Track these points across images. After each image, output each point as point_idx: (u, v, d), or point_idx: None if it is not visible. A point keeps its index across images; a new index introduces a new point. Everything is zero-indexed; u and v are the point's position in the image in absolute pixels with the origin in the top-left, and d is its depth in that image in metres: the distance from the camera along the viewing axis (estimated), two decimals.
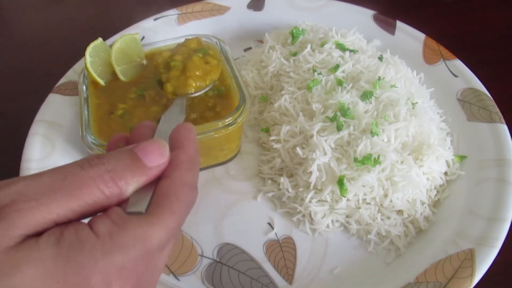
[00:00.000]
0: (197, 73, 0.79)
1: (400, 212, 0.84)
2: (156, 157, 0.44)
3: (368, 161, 0.80)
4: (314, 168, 0.82)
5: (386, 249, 0.81)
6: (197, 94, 0.76)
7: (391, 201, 0.81)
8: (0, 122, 1.06)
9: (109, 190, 0.40)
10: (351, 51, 0.98)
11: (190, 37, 0.89)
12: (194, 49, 0.85)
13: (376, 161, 0.80)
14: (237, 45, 1.15)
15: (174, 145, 0.47)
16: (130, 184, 0.42)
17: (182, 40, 0.98)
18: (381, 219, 0.82)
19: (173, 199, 0.43)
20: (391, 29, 1.15)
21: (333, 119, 0.85)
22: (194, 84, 0.79)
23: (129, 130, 0.82)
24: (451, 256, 0.75)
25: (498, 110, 0.95)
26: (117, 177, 0.41)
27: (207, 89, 0.81)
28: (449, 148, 0.91)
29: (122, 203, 0.42)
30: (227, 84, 0.89)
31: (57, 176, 0.39)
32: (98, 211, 0.41)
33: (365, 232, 0.82)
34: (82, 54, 0.89)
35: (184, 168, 0.45)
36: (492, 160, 0.87)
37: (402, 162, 0.82)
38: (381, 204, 0.82)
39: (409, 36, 1.13)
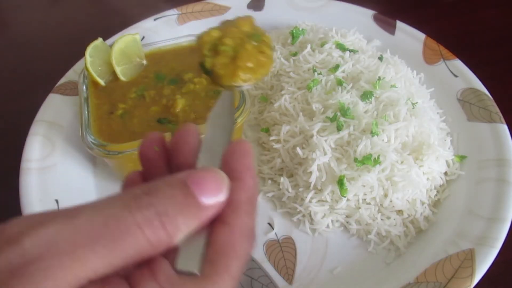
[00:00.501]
0: (249, 65, 0.68)
1: (400, 212, 0.84)
2: (213, 193, 0.35)
3: (368, 161, 0.80)
4: (314, 168, 0.82)
5: (386, 249, 0.81)
6: (244, 87, 0.64)
7: (391, 201, 0.81)
8: (0, 122, 1.06)
9: (157, 238, 0.33)
10: (351, 51, 0.98)
11: (243, 16, 0.75)
12: (247, 33, 0.72)
13: (376, 161, 0.80)
14: None
15: (230, 173, 0.38)
16: (181, 230, 0.34)
17: (182, 40, 0.98)
18: (381, 219, 0.82)
19: (231, 255, 0.35)
20: (391, 29, 1.15)
21: (333, 119, 0.85)
22: (243, 77, 0.68)
23: (129, 130, 0.82)
24: (451, 256, 0.75)
25: (498, 110, 0.95)
26: (168, 221, 0.33)
27: (251, 84, 0.69)
28: (449, 148, 0.91)
29: (169, 252, 0.35)
30: None
31: (97, 221, 0.31)
32: (139, 262, 0.33)
33: (365, 232, 0.82)
34: (82, 54, 0.89)
35: (245, 211, 0.37)
36: (492, 160, 0.87)
37: (402, 162, 0.82)
38: (381, 204, 0.83)
39: (409, 36, 1.13)
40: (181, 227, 0.34)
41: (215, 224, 0.36)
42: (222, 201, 0.36)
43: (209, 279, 0.34)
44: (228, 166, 0.38)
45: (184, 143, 0.42)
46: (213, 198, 0.35)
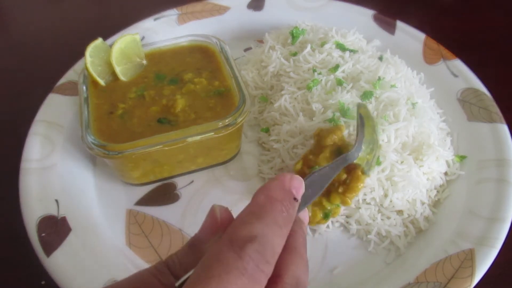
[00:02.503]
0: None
1: (400, 212, 0.84)
2: None
3: None
4: None
5: (386, 249, 0.81)
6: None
7: (391, 201, 0.81)
8: (0, 122, 1.06)
9: None
10: (351, 51, 0.98)
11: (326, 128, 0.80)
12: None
13: (376, 162, 0.80)
14: (237, 45, 1.15)
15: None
16: None
17: (182, 40, 0.98)
18: (381, 219, 0.82)
19: None
20: (391, 29, 1.15)
21: (331, 121, 0.85)
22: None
23: (129, 130, 0.82)
24: (451, 256, 0.75)
25: (498, 110, 0.95)
26: None
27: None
28: (449, 148, 0.91)
29: None
30: (227, 84, 0.89)
31: None
32: None
33: (365, 232, 0.82)
34: (82, 54, 0.89)
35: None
36: (492, 160, 0.87)
37: (402, 162, 0.82)
38: (381, 204, 0.82)
39: (409, 36, 1.14)
40: None
41: None
42: None
43: None
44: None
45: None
46: None
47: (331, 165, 0.62)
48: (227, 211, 0.42)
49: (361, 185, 0.77)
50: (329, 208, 0.78)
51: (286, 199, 0.39)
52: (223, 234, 0.38)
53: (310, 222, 0.78)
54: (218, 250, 0.35)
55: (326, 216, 0.78)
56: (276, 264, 0.37)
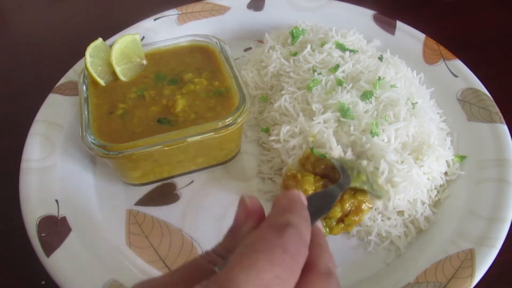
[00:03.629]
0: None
1: (400, 212, 0.84)
2: None
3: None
4: None
5: (386, 249, 0.81)
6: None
7: (393, 202, 0.81)
8: (0, 122, 1.06)
9: None
10: (351, 51, 0.98)
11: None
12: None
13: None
14: (237, 45, 1.15)
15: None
16: None
17: (182, 40, 0.98)
18: (382, 220, 0.82)
19: None
20: (391, 29, 1.15)
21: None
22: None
23: (129, 130, 0.82)
24: (451, 256, 0.75)
25: (498, 110, 0.95)
26: None
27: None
28: (449, 148, 0.91)
29: None
30: (227, 84, 0.89)
31: None
32: None
33: (366, 234, 0.82)
34: (82, 54, 0.89)
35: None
36: (492, 160, 0.87)
37: (402, 162, 0.82)
38: (385, 208, 0.82)
39: (409, 36, 1.14)
40: None
41: None
42: None
43: None
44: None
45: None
46: None
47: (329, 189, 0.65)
48: (255, 198, 0.46)
49: (366, 199, 0.78)
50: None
51: (301, 202, 0.43)
52: (258, 222, 0.43)
53: None
54: (260, 231, 0.39)
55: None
56: (308, 255, 0.40)
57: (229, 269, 0.35)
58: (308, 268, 0.39)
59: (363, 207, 0.77)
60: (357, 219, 0.78)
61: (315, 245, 0.42)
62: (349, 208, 0.77)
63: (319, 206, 0.50)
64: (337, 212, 0.77)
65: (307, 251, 0.39)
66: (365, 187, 0.76)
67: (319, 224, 0.47)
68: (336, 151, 0.81)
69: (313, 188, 0.77)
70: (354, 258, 0.80)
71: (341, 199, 0.77)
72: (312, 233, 0.42)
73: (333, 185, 0.73)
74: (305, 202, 0.44)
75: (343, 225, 0.78)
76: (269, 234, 0.38)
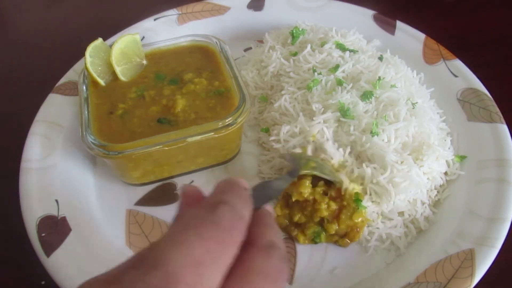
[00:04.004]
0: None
1: (401, 213, 0.83)
2: None
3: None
4: None
5: (386, 249, 0.81)
6: None
7: (393, 203, 0.81)
8: (0, 122, 1.06)
9: None
10: (351, 51, 0.98)
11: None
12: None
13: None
14: (237, 45, 1.15)
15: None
16: None
17: (182, 40, 0.98)
18: (382, 222, 0.82)
19: None
20: (391, 29, 1.15)
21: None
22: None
23: (129, 130, 0.82)
24: (451, 256, 0.75)
25: (498, 110, 0.95)
26: None
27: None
28: (449, 148, 0.91)
29: None
30: (227, 84, 0.89)
31: None
32: None
33: (366, 241, 0.82)
34: (82, 54, 0.89)
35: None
36: (492, 160, 0.87)
37: (402, 162, 0.82)
38: (389, 211, 0.82)
39: (409, 36, 1.14)
40: None
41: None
42: None
43: None
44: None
45: None
46: None
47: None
48: (196, 187, 0.46)
49: (362, 221, 0.79)
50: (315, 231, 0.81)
51: (239, 185, 0.43)
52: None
53: (298, 240, 0.82)
54: (193, 210, 0.38)
55: (315, 238, 0.81)
56: (249, 233, 0.39)
57: (159, 248, 0.34)
58: (249, 244, 0.38)
59: (357, 230, 0.79)
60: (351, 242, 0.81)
61: (260, 224, 0.41)
62: (345, 231, 0.79)
63: (268, 193, 0.52)
64: (332, 228, 0.78)
65: (244, 227, 0.38)
66: (315, 172, 0.78)
67: (269, 208, 0.47)
68: (336, 157, 0.82)
69: (310, 191, 0.80)
70: (354, 258, 0.80)
71: (338, 219, 0.79)
72: (259, 214, 0.42)
73: (283, 175, 0.75)
74: (247, 186, 0.44)
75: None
76: (201, 211, 0.37)
